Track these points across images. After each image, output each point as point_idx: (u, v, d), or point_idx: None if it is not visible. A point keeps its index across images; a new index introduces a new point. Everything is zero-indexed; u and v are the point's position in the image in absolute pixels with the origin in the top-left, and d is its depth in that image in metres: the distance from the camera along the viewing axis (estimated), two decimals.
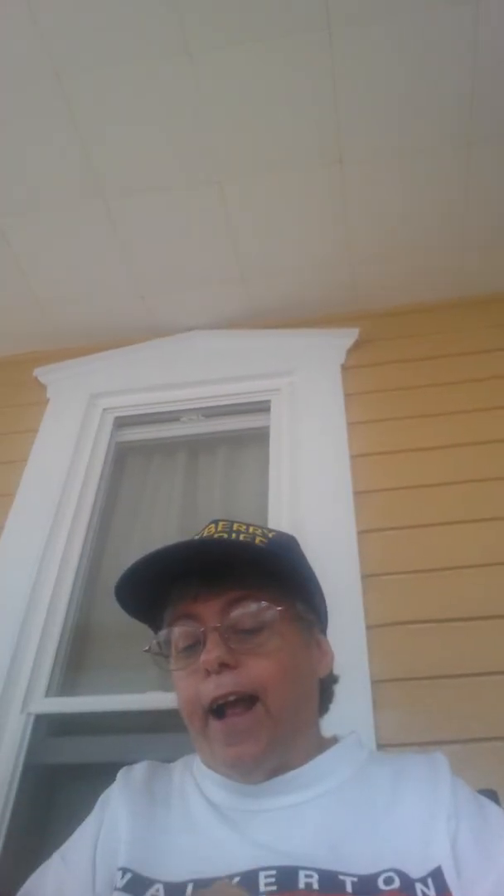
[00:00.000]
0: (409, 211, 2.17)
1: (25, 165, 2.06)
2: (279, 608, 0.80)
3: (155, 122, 1.95)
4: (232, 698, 0.75)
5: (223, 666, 0.75)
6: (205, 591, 0.81)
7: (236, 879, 0.66)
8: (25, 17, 1.73)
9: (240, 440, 2.36)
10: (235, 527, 0.88)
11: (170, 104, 1.91)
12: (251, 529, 0.88)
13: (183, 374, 2.42)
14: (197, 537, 0.90)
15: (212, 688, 0.75)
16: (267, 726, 0.75)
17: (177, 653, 0.82)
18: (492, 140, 1.98)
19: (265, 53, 1.80)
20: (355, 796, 0.76)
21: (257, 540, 0.86)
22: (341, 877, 0.65)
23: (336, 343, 2.35)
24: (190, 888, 0.67)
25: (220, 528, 0.88)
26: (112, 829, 0.79)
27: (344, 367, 2.29)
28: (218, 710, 0.75)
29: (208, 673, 0.76)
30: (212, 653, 0.76)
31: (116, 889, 0.70)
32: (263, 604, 0.79)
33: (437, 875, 0.66)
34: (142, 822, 0.78)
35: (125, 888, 0.70)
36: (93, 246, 2.28)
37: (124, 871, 0.72)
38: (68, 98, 1.89)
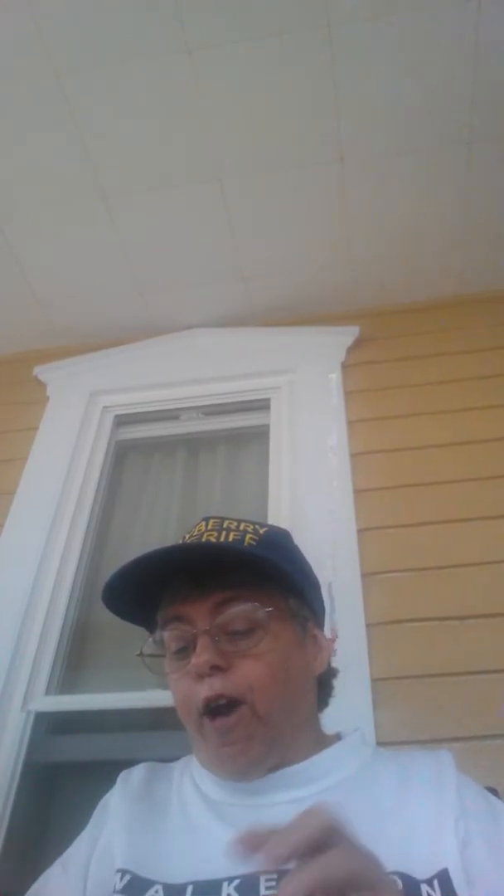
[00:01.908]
0: (409, 209, 2.17)
1: (25, 164, 2.06)
2: (269, 609, 0.79)
3: (155, 121, 1.96)
4: (222, 702, 0.74)
5: (215, 668, 0.75)
6: (195, 593, 0.80)
7: (236, 882, 0.66)
8: (26, 17, 1.73)
9: (240, 438, 2.37)
10: (226, 524, 0.87)
11: (170, 103, 1.91)
12: (242, 526, 0.87)
13: (183, 372, 2.42)
14: (187, 536, 0.89)
15: (205, 689, 0.75)
16: (256, 726, 0.75)
17: (170, 655, 0.81)
18: (492, 140, 1.98)
19: (265, 52, 1.80)
20: (359, 795, 0.75)
21: (248, 538, 0.84)
22: None
23: (336, 341, 2.35)
24: (190, 890, 0.67)
25: (210, 526, 0.87)
26: (109, 835, 0.78)
27: (344, 365, 2.29)
28: (215, 710, 0.75)
29: (200, 676, 0.76)
30: (201, 656, 0.75)
31: (115, 892, 0.70)
32: (253, 604, 0.79)
33: (443, 877, 0.65)
34: (140, 825, 0.78)
35: (123, 890, 0.70)
36: (93, 244, 2.29)
37: (123, 872, 0.72)
38: (68, 98, 1.89)
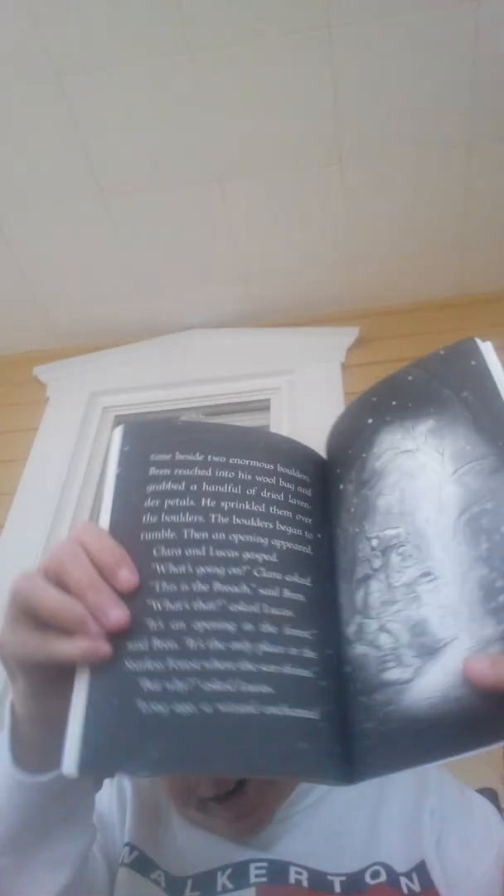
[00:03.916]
0: (409, 210, 2.17)
1: (25, 164, 2.06)
2: None
3: (155, 122, 1.95)
4: (232, 786, 0.65)
5: None
6: None
7: (229, 871, 0.66)
8: (25, 17, 1.73)
9: None
10: None
11: (170, 103, 1.91)
12: None
13: (183, 373, 2.42)
14: None
15: (208, 789, 0.65)
16: (268, 789, 0.68)
17: None
18: (492, 140, 1.98)
19: (265, 53, 1.80)
20: (343, 798, 0.73)
21: None
22: (330, 877, 0.65)
23: (336, 342, 2.35)
24: (189, 884, 0.66)
25: None
26: (121, 798, 0.77)
27: (344, 366, 2.30)
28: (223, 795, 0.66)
29: None
30: None
31: (123, 864, 0.70)
32: None
33: (421, 869, 0.66)
34: (146, 806, 0.76)
35: (132, 865, 0.69)
36: (93, 245, 2.29)
37: (131, 847, 0.71)
38: (68, 98, 1.89)
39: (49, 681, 0.48)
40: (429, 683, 0.42)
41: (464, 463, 0.47)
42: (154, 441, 0.55)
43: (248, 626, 0.47)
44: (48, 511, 2.10)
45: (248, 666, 0.45)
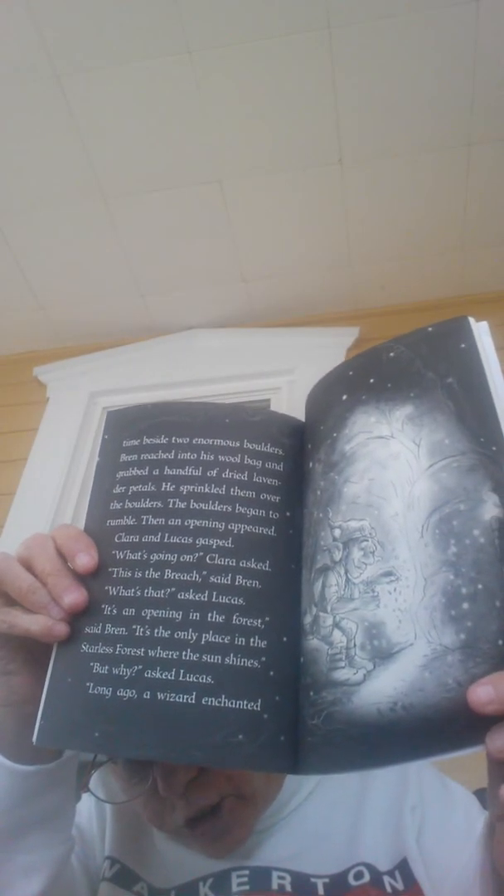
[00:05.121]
0: (409, 210, 2.17)
1: (25, 165, 2.06)
2: None
3: (155, 122, 1.95)
4: (208, 809, 0.62)
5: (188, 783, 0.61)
6: None
7: (210, 881, 0.65)
8: (26, 17, 1.73)
9: None
10: None
11: (170, 104, 1.91)
12: None
13: (183, 373, 2.42)
14: None
15: (182, 811, 0.62)
16: (243, 809, 0.65)
17: (125, 782, 0.65)
18: (492, 141, 1.98)
19: (265, 53, 1.80)
20: (326, 799, 0.72)
21: None
22: (313, 879, 0.64)
23: (336, 342, 2.35)
24: (173, 895, 0.65)
25: None
26: (100, 810, 0.76)
27: None
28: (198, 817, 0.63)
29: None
30: (175, 776, 0.61)
31: (104, 879, 0.68)
32: None
33: (403, 867, 0.65)
34: (126, 818, 0.75)
35: (113, 878, 0.68)
36: (93, 245, 2.29)
37: (112, 860, 0.70)
38: (68, 98, 1.89)
39: (16, 661, 0.52)
40: (378, 688, 0.40)
41: (441, 458, 0.44)
42: (127, 427, 0.56)
43: (194, 615, 0.47)
44: (48, 511, 2.10)
45: (190, 656, 0.46)
